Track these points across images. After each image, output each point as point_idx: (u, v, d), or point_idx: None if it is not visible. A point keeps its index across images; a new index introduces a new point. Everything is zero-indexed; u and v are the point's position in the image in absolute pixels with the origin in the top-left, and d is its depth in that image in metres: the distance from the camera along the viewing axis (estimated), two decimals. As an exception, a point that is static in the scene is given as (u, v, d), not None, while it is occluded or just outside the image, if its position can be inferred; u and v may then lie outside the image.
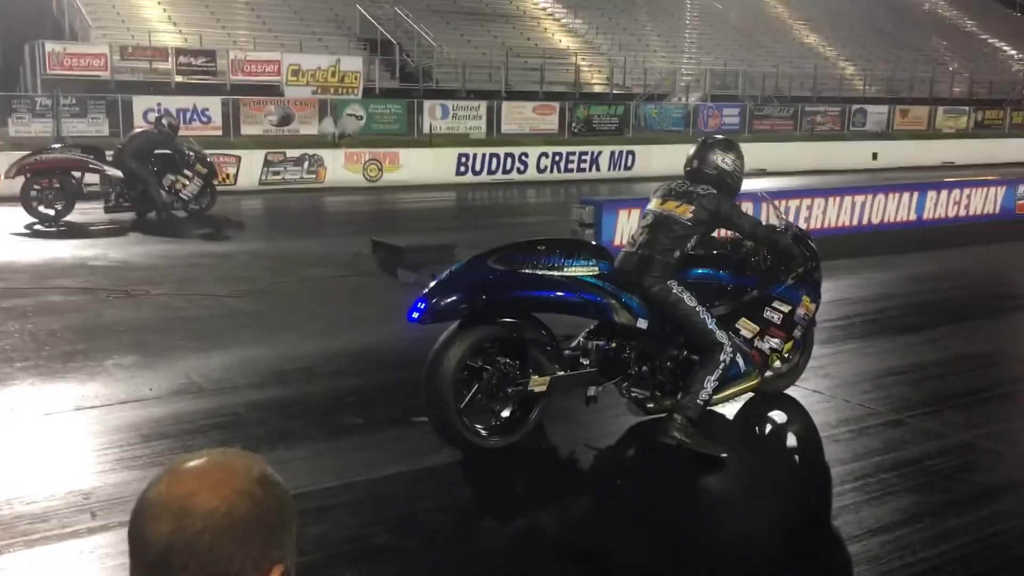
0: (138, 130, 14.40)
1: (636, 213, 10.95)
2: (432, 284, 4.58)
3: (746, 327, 5.14)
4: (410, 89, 24.26)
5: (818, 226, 12.09)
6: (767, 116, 28.30)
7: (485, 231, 12.80)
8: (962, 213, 13.72)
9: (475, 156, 21.26)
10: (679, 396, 4.79)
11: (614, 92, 27.47)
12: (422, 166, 20.36)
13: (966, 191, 13.91)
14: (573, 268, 4.69)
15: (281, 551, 1.10)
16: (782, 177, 20.89)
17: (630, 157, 23.26)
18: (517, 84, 25.95)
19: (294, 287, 8.95)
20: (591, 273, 4.74)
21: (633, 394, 5.03)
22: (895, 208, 13.10)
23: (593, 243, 5.18)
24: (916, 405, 5.63)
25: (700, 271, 5.11)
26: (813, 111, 29.27)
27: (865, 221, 12.77)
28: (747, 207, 5.92)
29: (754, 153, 24.59)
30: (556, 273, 4.64)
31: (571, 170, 22.45)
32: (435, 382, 4.47)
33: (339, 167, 19.38)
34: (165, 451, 4.65)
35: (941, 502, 4.25)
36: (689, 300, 4.80)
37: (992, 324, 7.95)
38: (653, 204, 5.06)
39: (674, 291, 4.80)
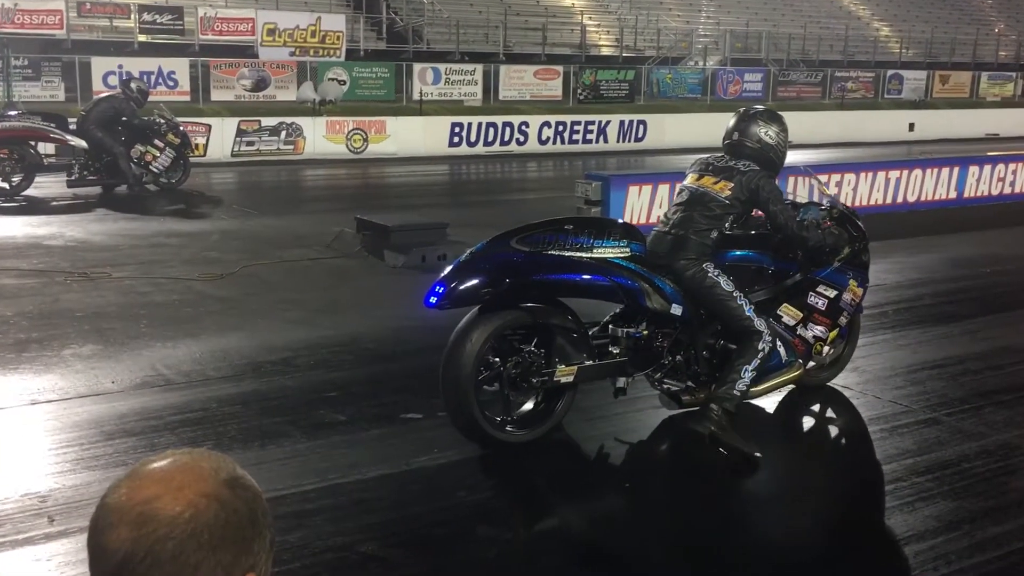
0: (103, 95, 14.35)
1: (648, 189, 10.97)
2: (451, 266, 4.60)
3: (788, 313, 5.18)
4: (398, 51, 24.22)
5: (848, 204, 12.08)
6: (793, 82, 28.27)
7: (481, 209, 12.82)
8: (1007, 191, 13.72)
9: (470, 125, 21.24)
10: (714, 387, 4.82)
11: (624, 55, 27.42)
12: (411, 136, 20.34)
13: (1012, 166, 13.90)
14: (603, 249, 4.70)
15: (253, 559, 1.11)
16: (809, 150, 20.85)
17: (641, 127, 23.23)
18: (517, 46, 25.89)
19: (270, 270, 8.96)
20: (622, 255, 4.75)
21: (666, 386, 5.04)
22: (933, 185, 13.11)
23: (624, 222, 5.19)
24: (953, 402, 5.66)
25: (739, 253, 5.11)
26: (844, 77, 29.24)
27: (900, 199, 12.77)
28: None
29: (778, 123, 24.71)
30: (584, 255, 4.65)
31: (576, 141, 22.44)
32: (454, 372, 4.50)
33: (320, 137, 19.36)
34: (129, 450, 4.67)
35: (980, 509, 4.27)
36: (726, 284, 4.82)
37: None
38: (688, 180, 5.09)
39: (710, 274, 4.82)
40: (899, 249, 10.52)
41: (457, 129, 21.09)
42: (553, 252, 4.59)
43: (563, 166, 19.39)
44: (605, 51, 27.90)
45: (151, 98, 14.61)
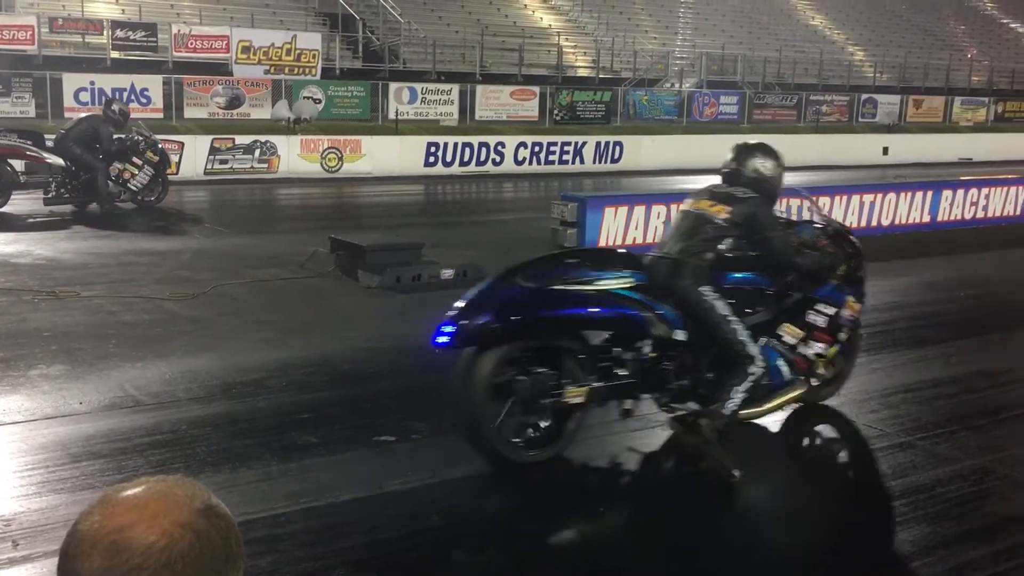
0: (84, 114, 14.34)
1: (624, 211, 11.03)
2: (458, 305, 4.71)
3: (789, 332, 5.32)
4: (374, 70, 24.26)
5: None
6: (768, 105, 28.55)
7: (457, 229, 12.83)
8: (980, 215, 13.90)
9: (446, 145, 21.28)
10: (707, 405, 4.99)
11: (600, 76, 27.61)
12: (387, 156, 20.35)
13: (984, 190, 14.10)
14: (606, 281, 4.90)
15: (227, 588, 1.10)
16: (787, 173, 21.04)
17: (617, 148, 23.37)
18: (493, 66, 26.02)
19: (243, 290, 8.91)
20: (625, 285, 4.94)
21: (674, 409, 5.14)
22: (907, 208, 13.26)
23: (624, 252, 5.44)
24: (927, 426, 5.70)
25: (738, 275, 5.26)
26: (818, 100, 29.56)
27: (874, 223, 12.91)
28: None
29: (754, 146, 24.94)
30: (588, 288, 4.84)
31: (552, 162, 22.52)
32: (466, 394, 4.62)
33: (294, 156, 19.32)
34: (96, 472, 4.62)
35: (954, 534, 4.31)
36: (721, 308, 4.96)
37: (1011, 338, 8.06)
38: (686, 204, 5.35)
39: (706, 297, 4.95)
40: (873, 273, 10.51)
41: (433, 149, 21.12)
42: (558, 287, 4.79)
43: (539, 187, 19.46)
44: (582, 72, 28.09)
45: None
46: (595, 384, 4.83)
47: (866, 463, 5.13)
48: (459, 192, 19.44)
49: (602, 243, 10.73)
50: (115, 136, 13.27)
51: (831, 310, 5.39)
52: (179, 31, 21.72)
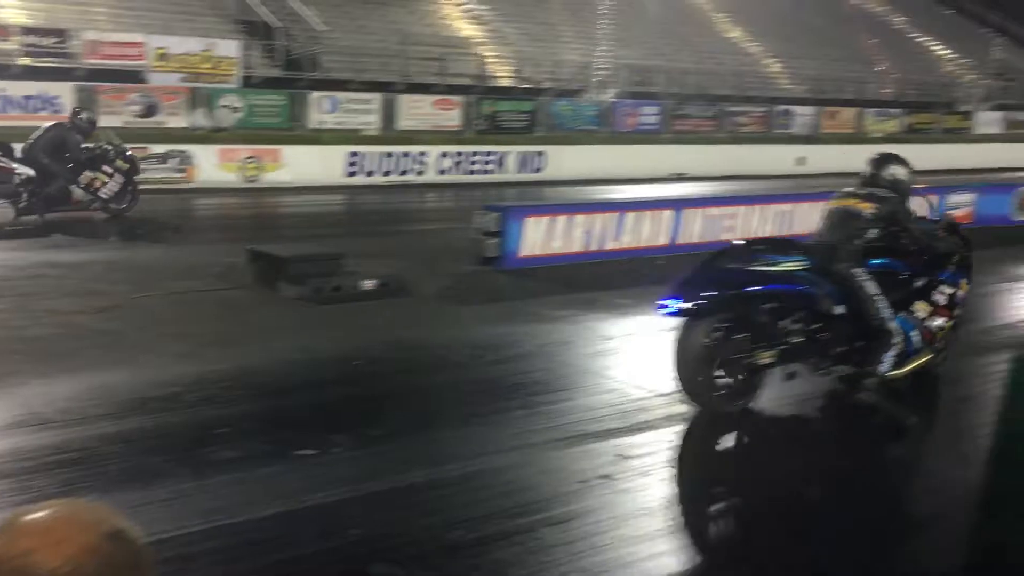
0: (50, 123, 13.98)
1: (546, 221, 11.08)
2: (678, 282, 5.87)
3: (921, 309, 6.49)
4: (295, 79, 24.02)
5: (731, 238, 12.43)
6: (688, 116, 29.01)
7: (379, 239, 12.75)
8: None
9: (368, 155, 21.13)
10: (865, 370, 6.22)
11: (523, 87, 27.76)
12: (307, 165, 20.13)
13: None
14: (786, 263, 6.10)
15: (137, 614, 1.08)
16: (704, 182, 21.41)
17: (540, 158, 23.51)
18: (416, 75, 25.96)
19: (157, 302, 8.73)
20: (800, 267, 6.11)
21: (831, 372, 6.27)
22: (815, 217, 13.54)
23: (790, 239, 6.85)
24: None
25: (877, 261, 6.39)
26: (737, 111, 30.15)
27: (790, 231, 13.16)
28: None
29: (674, 156, 25.29)
30: (774, 268, 6.03)
31: (475, 172, 22.55)
32: (686, 358, 5.76)
33: (212, 165, 18.99)
34: (2, 493, 4.48)
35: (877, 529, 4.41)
36: (871, 287, 6.13)
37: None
38: (833, 202, 6.57)
39: (859, 278, 6.14)
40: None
41: (354, 158, 20.96)
42: (755, 267, 5.96)
43: (462, 196, 19.44)
44: (504, 82, 28.18)
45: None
46: (780, 348, 5.94)
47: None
48: (381, 202, 19.31)
49: (524, 253, 10.79)
50: (83, 145, 13.15)
51: (951, 290, 6.59)
52: (92, 37, 21.21)
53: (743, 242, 6.46)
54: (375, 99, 23.62)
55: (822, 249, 6.26)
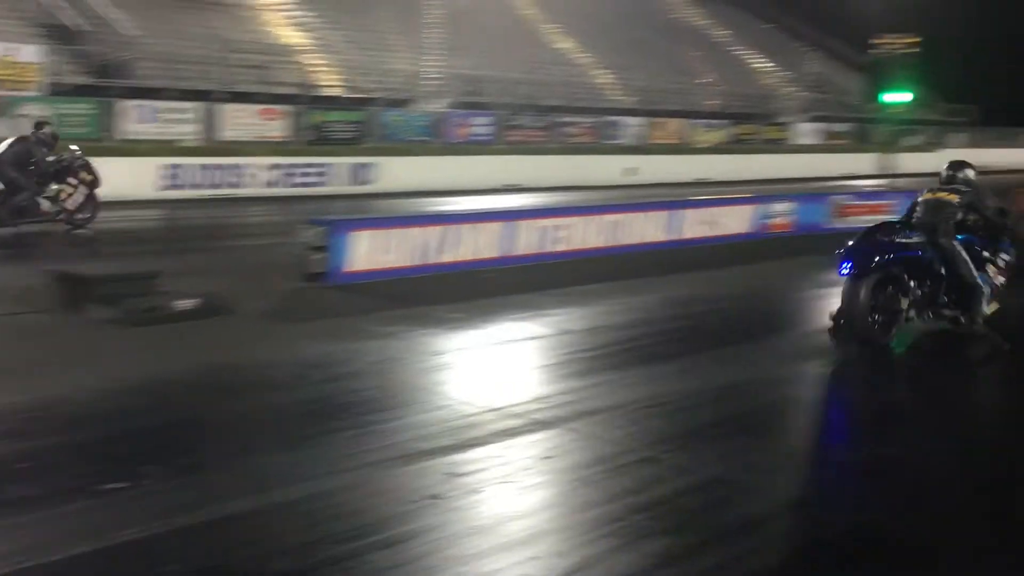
0: (14, 137, 14.33)
1: (375, 234, 11.00)
2: (847, 249, 8.26)
3: (992, 270, 8.90)
4: (105, 86, 23.05)
5: (568, 248, 12.74)
6: (520, 127, 29.44)
7: (200, 256, 12.37)
8: (715, 232, 14.90)
9: (187, 167, 20.50)
10: (969, 314, 8.75)
11: (352, 96, 27.53)
12: (120, 179, 19.25)
13: (717, 209, 15.16)
14: (914, 238, 8.57)
15: None
16: (535, 193, 21.76)
17: (371, 170, 23.36)
18: (239, 84, 25.36)
19: (-50, 329, 8.19)
20: (919, 241, 8.56)
21: (941, 316, 8.82)
22: (649, 227, 14.01)
23: (900, 221, 9.07)
24: (669, 439, 6.04)
25: (962, 236, 8.77)
26: (568, 122, 30.80)
27: (619, 241, 13.55)
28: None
29: (506, 167, 25.62)
30: (908, 241, 8.52)
31: (303, 184, 22.19)
32: (855, 305, 8.11)
33: (13, 179, 17.95)
34: None
35: (695, 542, 4.57)
36: (963, 254, 8.62)
37: (745, 350, 8.66)
38: (924, 196, 9.04)
39: (955, 248, 8.61)
40: (620, 291, 11.15)
41: (172, 171, 20.29)
42: (898, 240, 8.48)
43: (288, 210, 19.05)
44: (332, 91, 27.88)
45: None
46: (912, 298, 8.43)
47: (614, 479, 5.34)
48: (203, 217, 18.68)
49: (352, 268, 10.67)
50: (48, 158, 13.79)
51: (1008, 257, 9.04)
52: None
53: (887, 221, 9.31)
54: (194, 108, 22.93)
55: (925, 228, 8.68)
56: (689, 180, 28.12)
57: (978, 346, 9.15)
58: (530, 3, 39.49)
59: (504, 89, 30.85)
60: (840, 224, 16.39)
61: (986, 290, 8.75)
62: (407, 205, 19.53)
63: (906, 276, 8.41)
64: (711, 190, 22.45)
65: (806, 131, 40.42)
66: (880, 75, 37.13)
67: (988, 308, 8.83)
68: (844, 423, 7.26)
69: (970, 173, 9.18)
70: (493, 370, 7.72)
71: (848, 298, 8.14)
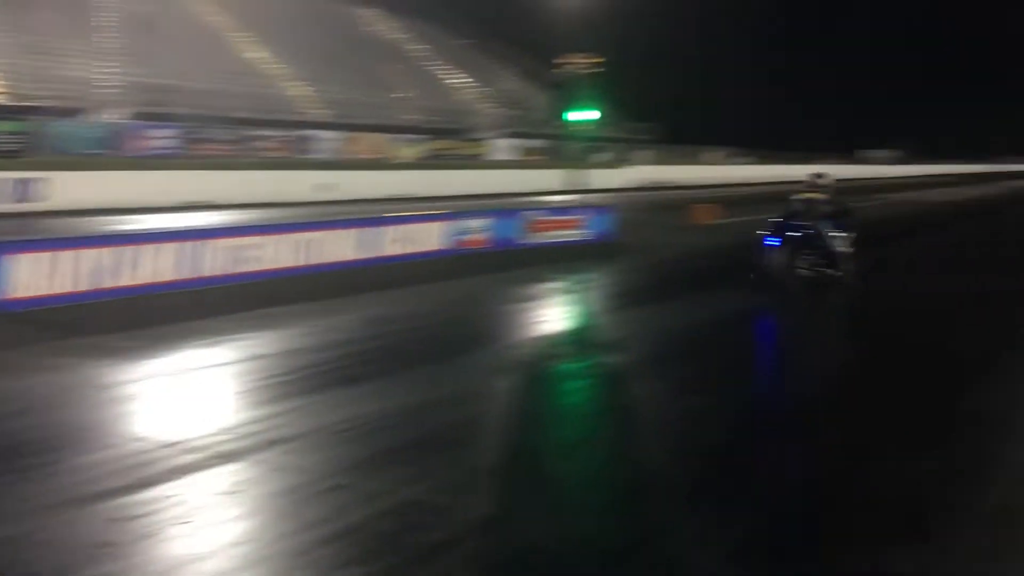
0: None
1: (42, 257, 10.24)
2: (769, 233, 12.96)
3: (842, 244, 13.17)
4: None
5: (259, 269, 12.45)
6: (209, 140, 28.48)
7: None
8: (411, 249, 15.07)
9: None
10: (833, 267, 13.21)
11: (17, 104, 25.52)
12: None
13: (413, 226, 15.35)
14: (801, 224, 13.16)
15: None
16: (227, 211, 21.12)
17: (39, 185, 21.71)
18: None
19: None
20: (807, 225, 13.11)
21: (819, 270, 13.13)
22: (344, 245, 13.94)
23: (792, 215, 13.47)
24: (364, 463, 5.98)
25: (825, 221, 13.11)
26: (259, 135, 30.15)
27: (312, 260, 13.38)
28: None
29: (194, 183, 24.65)
30: (804, 224, 13.10)
31: (-43, 202, 20.24)
32: (780, 265, 12.84)
33: None
34: None
35: (388, 567, 4.53)
36: (830, 231, 13.07)
37: (443, 367, 8.77)
38: (801, 196, 13.51)
39: (825, 228, 13.06)
40: (314, 312, 11.01)
41: None
42: (799, 223, 13.08)
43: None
44: (-8, 99, 25.69)
45: None
46: (810, 258, 12.98)
47: (304, 509, 5.22)
48: None
49: (14, 295, 9.86)
50: None
51: (853, 233, 13.34)
52: None
53: (783, 217, 13.30)
54: None
55: (807, 217, 13.13)
56: (387, 196, 28.31)
57: (838, 288, 13.40)
58: (217, 10, 38.31)
59: (191, 100, 29.71)
60: (533, 240, 17.10)
61: (844, 253, 13.33)
62: (80, 224, 18.30)
63: (801, 246, 13.06)
64: (408, 206, 22.69)
65: (502, 147, 41.90)
66: (567, 93, 39.10)
67: (842, 269, 13.32)
68: (542, 436, 7.50)
69: (828, 179, 13.97)
70: (173, 402, 7.34)
71: (772, 260, 12.91)
